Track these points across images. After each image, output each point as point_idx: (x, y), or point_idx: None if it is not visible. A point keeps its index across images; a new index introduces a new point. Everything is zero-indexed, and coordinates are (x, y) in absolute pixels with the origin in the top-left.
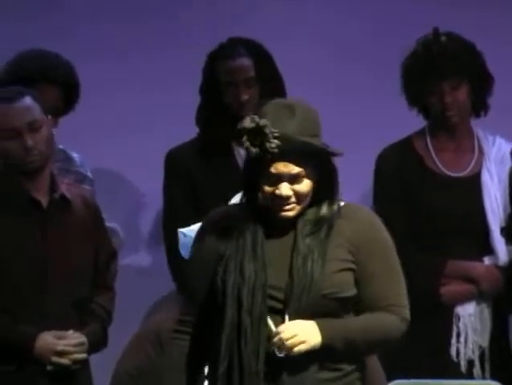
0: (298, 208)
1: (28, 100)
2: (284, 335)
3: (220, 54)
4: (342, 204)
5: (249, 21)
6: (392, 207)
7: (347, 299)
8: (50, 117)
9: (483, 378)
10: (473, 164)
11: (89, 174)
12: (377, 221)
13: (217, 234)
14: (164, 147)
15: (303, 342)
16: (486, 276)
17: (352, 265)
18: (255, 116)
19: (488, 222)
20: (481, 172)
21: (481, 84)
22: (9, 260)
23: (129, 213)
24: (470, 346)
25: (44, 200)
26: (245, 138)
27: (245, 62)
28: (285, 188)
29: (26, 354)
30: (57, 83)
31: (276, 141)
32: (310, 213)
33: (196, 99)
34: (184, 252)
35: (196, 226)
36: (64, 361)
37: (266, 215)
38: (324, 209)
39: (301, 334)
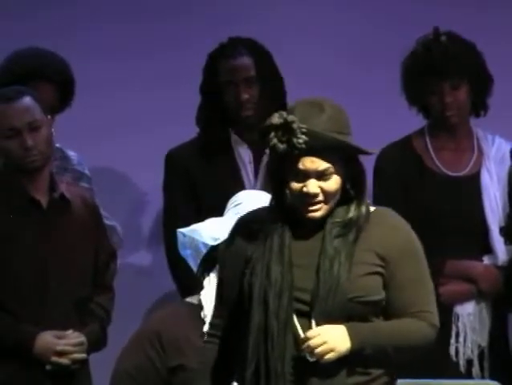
0: (325, 208)
1: (28, 100)
2: (313, 343)
3: (220, 53)
4: (372, 209)
5: (250, 21)
6: (392, 206)
7: (375, 303)
8: (49, 117)
9: (482, 377)
10: (472, 163)
11: (87, 172)
12: (407, 226)
13: (245, 237)
14: (164, 147)
15: (332, 350)
16: (485, 275)
17: (381, 270)
18: (283, 112)
19: (487, 222)
20: (480, 171)
21: (481, 84)
22: (9, 260)
23: (129, 213)
24: (469, 345)
25: (44, 200)
26: (272, 134)
27: (246, 61)
28: (312, 185)
29: (26, 353)
30: (52, 81)
31: (304, 136)
32: (339, 215)
33: (196, 99)
34: (184, 252)
35: (196, 226)
36: (64, 361)
37: (293, 216)
38: (352, 211)
39: (330, 341)
